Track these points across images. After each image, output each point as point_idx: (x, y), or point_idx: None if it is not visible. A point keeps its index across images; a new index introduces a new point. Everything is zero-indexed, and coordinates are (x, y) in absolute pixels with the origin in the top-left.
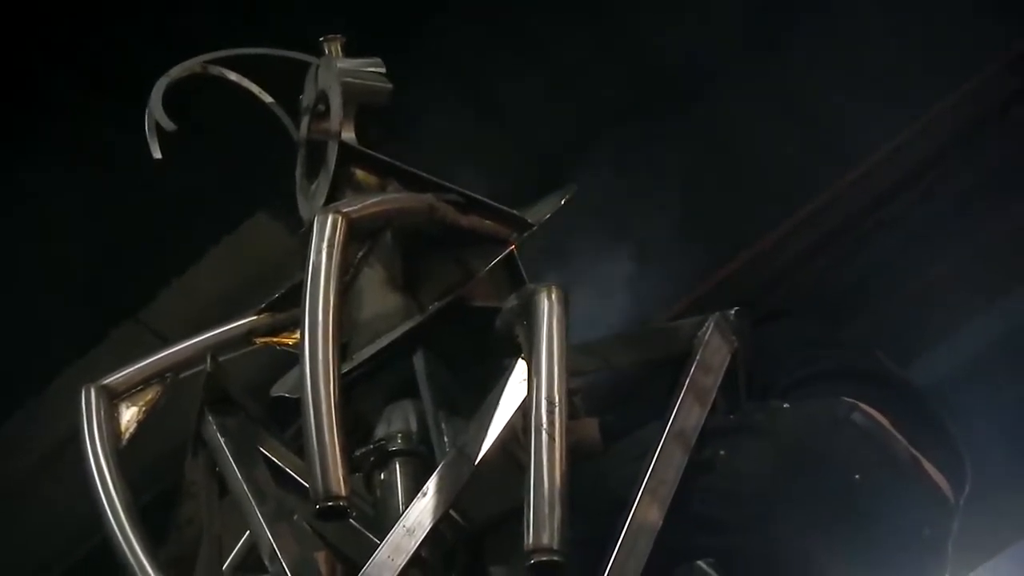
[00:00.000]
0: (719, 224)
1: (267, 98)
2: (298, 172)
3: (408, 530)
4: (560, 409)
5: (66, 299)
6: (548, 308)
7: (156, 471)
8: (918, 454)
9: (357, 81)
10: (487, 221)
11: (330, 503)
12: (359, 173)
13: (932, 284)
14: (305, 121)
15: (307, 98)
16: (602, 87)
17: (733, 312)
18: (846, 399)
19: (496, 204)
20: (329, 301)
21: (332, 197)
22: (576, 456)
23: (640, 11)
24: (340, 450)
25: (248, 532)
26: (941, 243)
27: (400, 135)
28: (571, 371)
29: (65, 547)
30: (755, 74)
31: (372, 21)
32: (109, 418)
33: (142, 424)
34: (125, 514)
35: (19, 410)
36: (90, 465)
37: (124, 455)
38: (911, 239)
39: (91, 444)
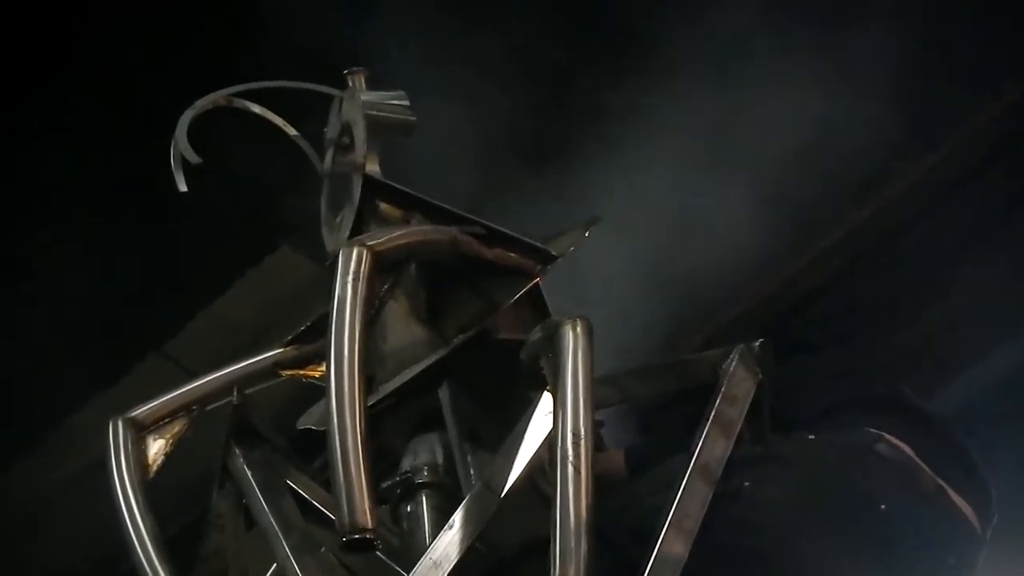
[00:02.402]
0: (739, 253)
1: (291, 131)
2: (323, 205)
3: (435, 563)
4: (586, 441)
5: (92, 331)
6: (573, 340)
7: (183, 503)
8: (944, 484)
9: (381, 114)
10: (511, 253)
11: (357, 535)
12: (384, 206)
13: (955, 314)
14: (330, 154)
15: (331, 131)
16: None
17: (758, 344)
18: (871, 430)
19: (520, 236)
20: (355, 333)
21: (357, 230)
22: (602, 488)
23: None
24: (367, 482)
25: (275, 564)
26: (965, 272)
27: None
28: (596, 403)
29: None
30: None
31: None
32: (136, 450)
33: (169, 456)
34: (152, 545)
35: (46, 442)
36: (117, 497)
37: (151, 487)
38: (934, 268)
39: (118, 476)
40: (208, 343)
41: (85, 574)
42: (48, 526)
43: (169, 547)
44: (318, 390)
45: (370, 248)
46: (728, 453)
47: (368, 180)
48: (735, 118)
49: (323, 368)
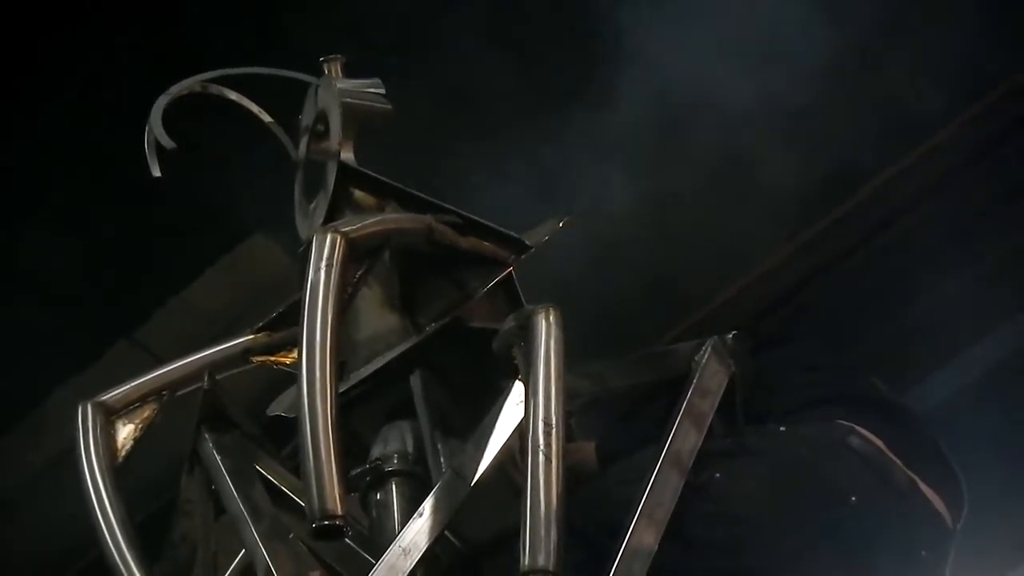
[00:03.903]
0: (716, 248)
1: (266, 117)
2: (297, 192)
3: (404, 550)
4: (557, 431)
5: (62, 318)
6: (546, 330)
7: (152, 488)
8: (916, 477)
9: (357, 102)
10: (485, 242)
11: (326, 521)
12: (358, 193)
13: (932, 309)
14: (304, 141)
15: (306, 118)
16: None
17: (731, 336)
18: (843, 422)
19: (494, 226)
20: (327, 320)
21: (331, 217)
22: (573, 479)
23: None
24: (337, 469)
25: (243, 551)
26: (942, 268)
27: None
28: (568, 393)
29: (59, 563)
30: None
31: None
32: (105, 435)
33: (138, 441)
34: (120, 530)
35: (16, 428)
36: (86, 481)
37: (120, 472)
38: (911, 264)
39: (87, 460)
40: (179, 331)
41: (56, 562)
42: (19, 515)
43: (138, 532)
44: (289, 376)
45: (344, 235)
46: (699, 445)
47: (342, 167)
48: (714, 107)
49: (294, 355)
